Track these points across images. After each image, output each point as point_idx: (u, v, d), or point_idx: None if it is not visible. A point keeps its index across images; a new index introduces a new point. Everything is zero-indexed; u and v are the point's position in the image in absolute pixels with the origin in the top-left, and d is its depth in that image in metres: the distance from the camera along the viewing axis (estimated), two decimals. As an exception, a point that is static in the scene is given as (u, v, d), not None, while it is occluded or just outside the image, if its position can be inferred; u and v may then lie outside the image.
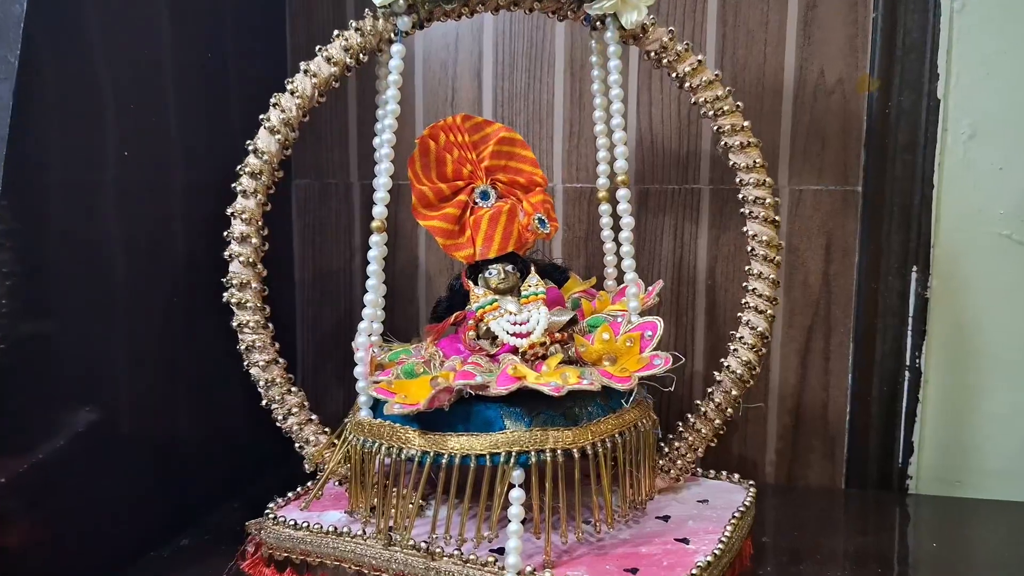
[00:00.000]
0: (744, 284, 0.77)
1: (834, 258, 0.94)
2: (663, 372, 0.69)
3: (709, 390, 0.78)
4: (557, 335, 0.73)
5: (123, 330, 0.76)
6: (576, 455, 0.66)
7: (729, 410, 0.77)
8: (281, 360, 0.74)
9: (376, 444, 0.69)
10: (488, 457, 0.65)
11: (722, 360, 0.78)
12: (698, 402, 0.78)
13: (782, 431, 0.97)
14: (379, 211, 0.71)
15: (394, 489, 0.69)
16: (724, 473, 0.82)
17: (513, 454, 0.64)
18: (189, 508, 0.85)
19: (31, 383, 0.66)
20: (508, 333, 0.71)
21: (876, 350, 0.94)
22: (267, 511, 0.75)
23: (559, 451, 0.65)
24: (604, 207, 0.81)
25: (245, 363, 0.73)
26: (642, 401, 0.73)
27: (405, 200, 1.00)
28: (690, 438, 0.78)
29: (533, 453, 0.64)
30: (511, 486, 0.65)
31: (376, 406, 0.71)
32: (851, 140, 0.92)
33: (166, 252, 0.81)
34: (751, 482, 0.80)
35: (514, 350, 0.71)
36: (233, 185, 0.72)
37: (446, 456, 0.66)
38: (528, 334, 0.71)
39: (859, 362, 0.95)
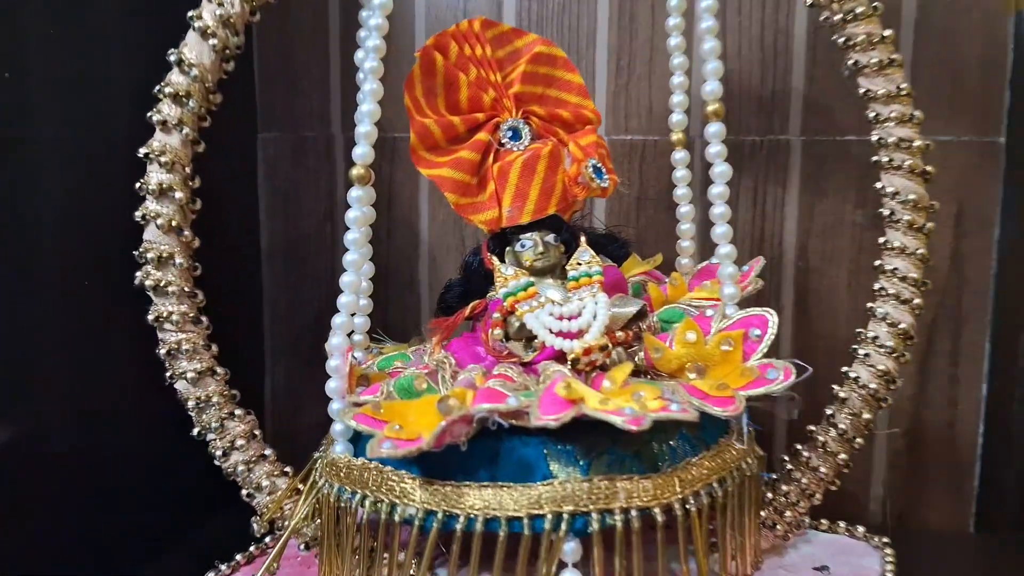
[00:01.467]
0: (878, 263, 0.55)
1: (967, 231, 0.72)
2: (782, 390, 0.46)
3: (828, 412, 0.55)
4: (619, 334, 0.50)
5: (55, 338, 0.54)
6: (658, 516, 0.43)
7: (858, 440, 0.54)
8: (220, 371, 0.51)
9: (357, 496, 0.46)
10: (527, 521, 0.43)
11: (845, 370, 0.55)
12: (812, 429, 0.56)
13: (893, 458, 0.75)
14: (362, 152, 0.49)
15: (384, 559, 0.47)
16: (842, 524, 0.60)
17: (564, 517, 0.42)
18: (111, 561, 0.61)
19: None
20: (551, 332, 0.48)
21: (1019, 354, 0.71)
22: (205, 584, 0.53)
23: (634, 511, 0.43)
24: (679, 154, 0.58)
25: (168, 374, 0.51)
26: (741, 431, 0.50)
27: (403, 156, 0.77)
28: (804, 480, 0.55)
29: (595, 515, 0.43)
30: (562, 565, 0.42)
31: (358, 439, 0.48)
32: (992, 76, 0.70)
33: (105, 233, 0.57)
34: (884, 540, 0.58)
35: (559, 357, 0.49)
36: (149, 115, 0.49)
37: (462, 518, 0.44)
38: (580, 333, 0.48)
39: (996, 369, 0.73)
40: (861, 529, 0.60)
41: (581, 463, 0.44)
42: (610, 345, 0.49)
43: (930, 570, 0.66)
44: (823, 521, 0.61)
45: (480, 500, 0.44)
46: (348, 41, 0.81)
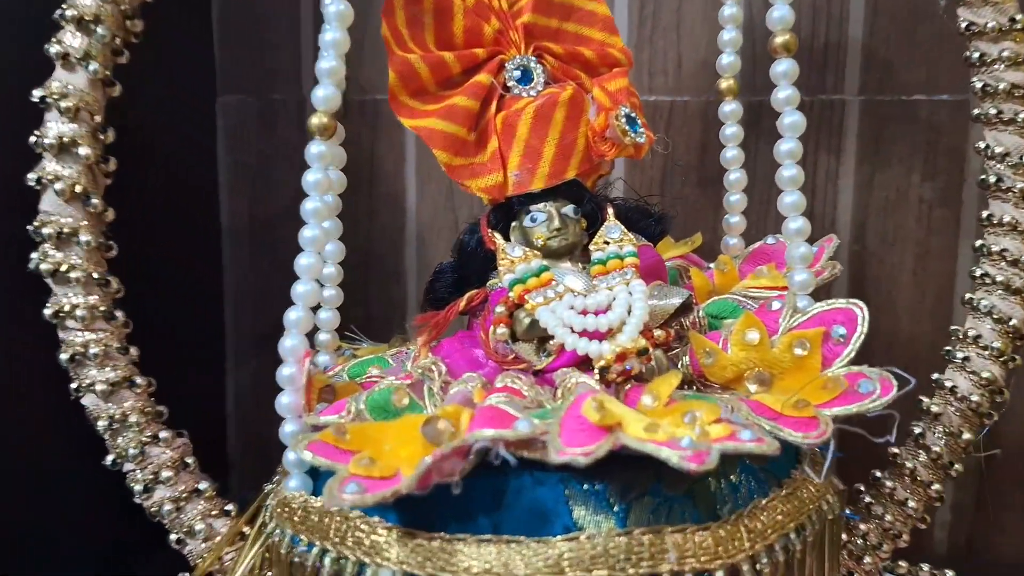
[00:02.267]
0: (978, 243, 0.43)
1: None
2: (880, 407, 0.35)
3: (916, 430, 0.44)
4: (658, 333, 0.39)
5: None
6: (722, 581, 0.32)
7: (956, 466, 0.43)
8: (140, 381, 0.40)
9: (315, 549, 0.35)
10: None
11: (937, 378, 0.44)
12: (895, 452, 0.44)
13: (963, 477, 0.62)
14: (326, 95, 0.37)
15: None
16: (925, 567, 0.48)
17: None
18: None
19: None
20: (573, 331, 0.37)
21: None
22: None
23: (689, 575, 0.31)
24: (730, 107, 0.47)
25: (73, 386, 0.39)
26: (819, 458, 0.39)
27: (388, 121, 0.66)
28: (887, 517, 0.44)
29: None
30: (592, 650, 0.31)
31: (320, 472, 0.37)
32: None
33: None
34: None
35: (582, 363, 0.37)
36: (46, 47, 0.37)
37: None
38: (611, 332, 0.36)
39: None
40: (950, 574, 0.48)
41: (616, 509, 0.33)
42: (649, 348, 0.37)
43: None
44: (901, 563, 0.49)
45: (479, 560, 0.33)
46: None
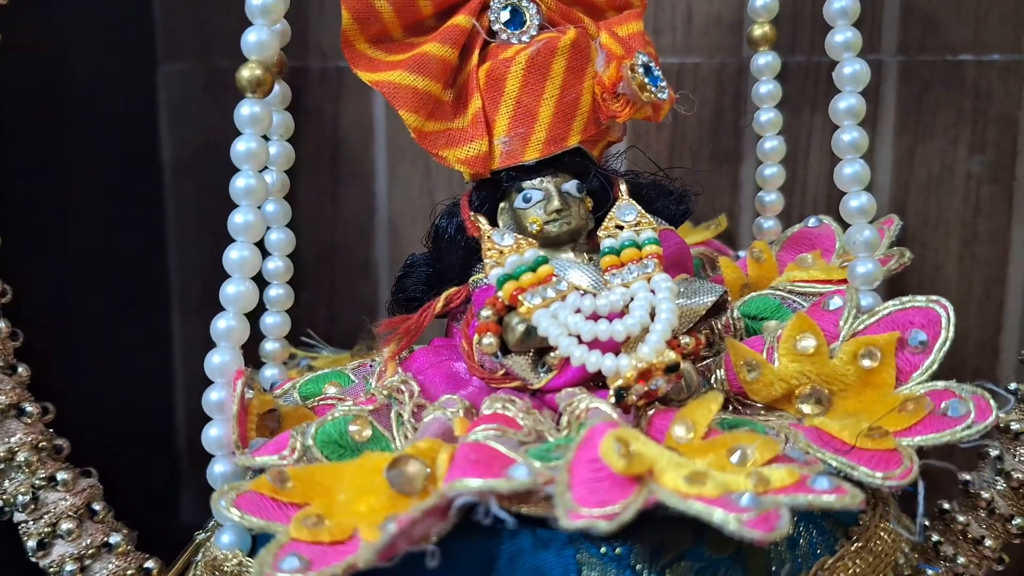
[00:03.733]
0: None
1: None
2: (977, 435, 0.27)
3: (993, 453, 0.36)
4: (686, 341, 0.31)
5: None
6: (782, 671, 0.24)
7: (1044, 495, 0.35)
8: (31, 408, 0.31)
9: (252, 628, 0.27)
10: None
11: (1017, 387, 0.37)
12: (967, 477, 0.37)
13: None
14: (258, 40, 0.29)
15: None
16: (993, 610, 0.40)
17: None
18: None
19: None
20: (580, 341, 0.29)
21: None
22: None
23: (741, 668, 0.24)
24: (765, 59, 0.40)
25: (-59, 417, 0.31)
26: (889, 498, 0.31)
27: (353, 92, 0.58)
28: (960, 559, 0.36)
29: None
30: None
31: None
32: None
33: None
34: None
35: (593, 380, 0.29)
36: None
37: None
38: (629, 342, 0.28)
39: None
40: (1024, 617, 0.41)
41: (645, 574, 0.25)
42: (678, 360, 0.29)
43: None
44: (965, 604, 0.42)
45: (464, 651, 0.24)
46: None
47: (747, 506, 0.22)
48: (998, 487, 0.37)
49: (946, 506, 0.38)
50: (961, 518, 0.37)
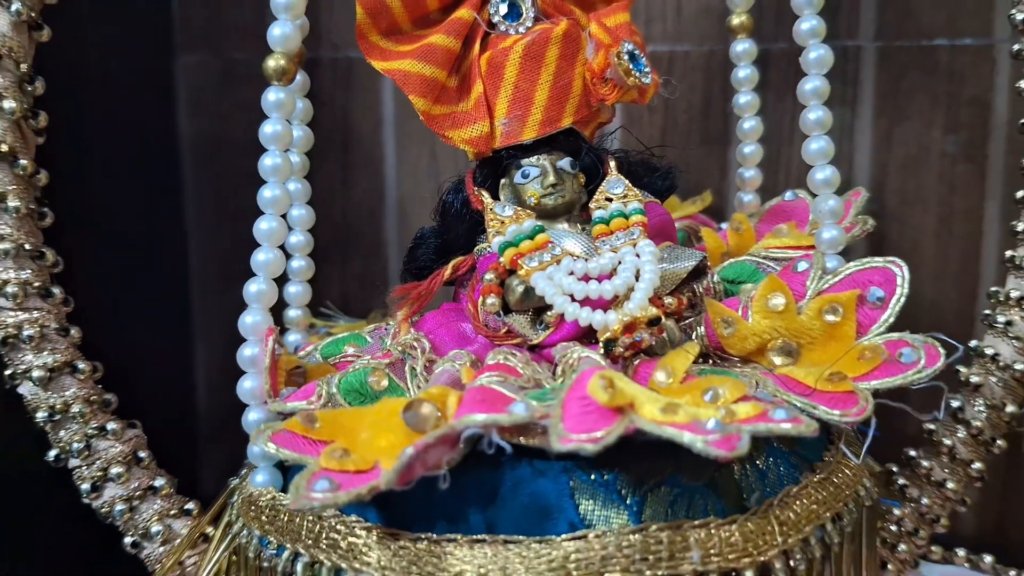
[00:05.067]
0: (1020, 194, 0.39)
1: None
2: (927, 379, 0.30)
3: (953, 404, 0.40)
4: (669, 301, 0.34)
5: None
6: (751, 582, 0.28)
7: (998, 440, 0.39)
8: (84, 366, 0.35)
9: (287, 552, 0.31)
10: None
11: (975, 345, 0.40)
12: (931, 428, 0.40)
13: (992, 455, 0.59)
14: (283, 33, 0.32)
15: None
16: (960, 552, 0.44)
17: None
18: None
19: None
20: (574, 299, 0.32)
21: None
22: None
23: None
24: (743, 45, 0.43)
25: (8, 372, 0.34)
26: (855, 439, 0.34)
27: (363, 81, 0.62)
28: (924, 500, 0.40)
29: None
30: (604, 664, 0.27)
31: (287, 468, 0.32)
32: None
33: None
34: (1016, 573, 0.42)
35: (584, 336, 0.32)
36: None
37: None
38: (617, 301, 0.32)
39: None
40: (988, 559, 0.44)
41: (628, 503, 0.29)
42: (661, 316, 0.32)
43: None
44: (934, 549, 0.45)
45: (472, 564, 0.28)
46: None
47: (712, 429, 0.25)
48: (959, 435, 0.40)
49: (912, 453, 0.42)
50: (925, 463, 0.41)
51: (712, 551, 0.28)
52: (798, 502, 0.31)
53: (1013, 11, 0.39)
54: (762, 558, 0.29)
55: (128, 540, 0.36)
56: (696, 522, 0.29)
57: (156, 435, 0.41)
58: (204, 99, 0.67)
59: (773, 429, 0.27)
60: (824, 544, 0.31)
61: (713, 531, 0.29)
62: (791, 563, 0.29)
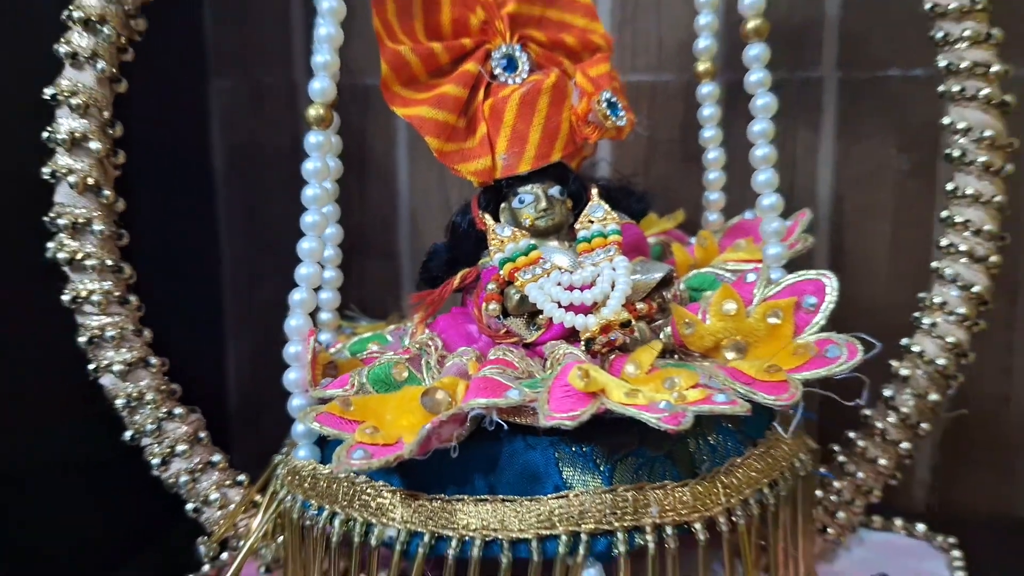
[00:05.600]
0: (944, 214, 0.46)
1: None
2: (847, 371, 0.37)
3: (886, 394, 0.47)
4: (641, 306, 0.41)
5: None
6: (699, 533, 0.35)
7: (924, 425, 0.46)
8: (155, 361, 0.42)
9: (325, 512, 0.37)
10: (535, 544, 0.35)
11: (906, 342, 0.47)
12: (867, 414, 0.47)
13: (940, 439, 0.66)
14: (322, 87, 0.39)
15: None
16: (898, 522, 0.51)
17: (583, 538, 0.34)
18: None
19: None
20: (560, 305, 0.39)
21: (1083, 317, 0.63)
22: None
23: (669, 527, 0.34)
24: (707, 87, 0.49)
25: (91, 367, 0.41)
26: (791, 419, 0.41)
27: (377, 106, 0.68)
28: (860, 474, 0.47)
29: (620, 534, 0.35)
30: (582, 597, 0.34)
31: (326, 441, 0.39)
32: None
33: None
34: (950, 539, 0.49)
35: (569, 335, 0.39)
36: (55, 47, 0.39)
37: (455, 541, 0.35)
38: (596, 306, 0.39)
39: (1058, 335, 0.63)
40: (921, 527, 0.51)
41: (602, 469, 0.36)
42: (632, 319, 0.39)
43: (986, 564, 0.58)
44: (875, 518, 0.52)
45: (477, 518, 0.35)
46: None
47: (663, 409, 0.33)
48: (890, 419, 0.47)
49: (851, 435, 0.49)
50: (861, 443, 0.48)
51: (668, 508, 0.35)
52: (740, 470, 0.38)
53: (938, 57, 0.46)
54: (708, 514, 0.36)
55: (190, 506, 0.44)
56: (655, 484, 0.36)
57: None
58: (235, 118, 0.74)
59: (715, 409, 0.34)
60: (761, 505, 0.38)
61: (669, 492, 0.36)
62: (733, 519, 0.36)
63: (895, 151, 0.63)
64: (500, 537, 0.35)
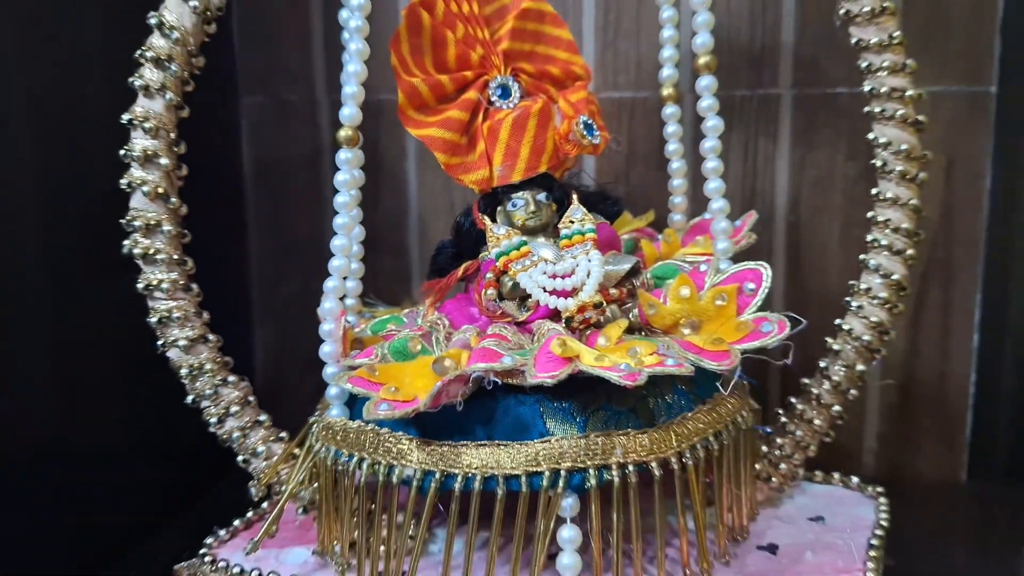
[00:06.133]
0: (870, 215, 0.55)
1: (957, 183, 0.71)
2: (777, 343, 0.46)
3: (822, 365, 0.55)
4: (613, 291, 0.50)
5: None
6: (655, 471, 0.44)
7: (852, 391, 0.55)
8: (212, 337, 0.51)
9: (355, 458, 0.46)
10: (524, 479, 0.43)
11: (839, 323, 0.55)
12: (806, 382, 0.56)
13: (886, 410, 0.75)
14: (350, 114, 0.48)
15: (383, 521, 0.47)
16: (836, 476, 0.60)
17: (562, 474, 0.43)
18: (109, 538, 0.61)
19: None
20: (545, 291, 0.48)
21: (1010, 305, 0.72)
22: (202, 550, 0.53)
23: (630, 466, 0.43)
24: (670, 109, 0.58)
25: (160, 342, 0.50)
26: (739, 385, 0.50)
27: (389, 118, 0.76)
28: (799, 433, 0.56)
29: (592, 471, 0.43)
30: (560, 521, 0.42)
31: (354, 402, 0.48)
32: (982, 23, 0.69)
33: (45, 196, 0.56)
34: (879, 488, 0.58)
35: (554, 315, 0.48)
36: (130, 80, 0.48)
37: (460, 477, 0.44)
38: (574, 291, 0.48)
39: (988, 321, 0.73)
40: (855, 480, 0.60)
41: (577, 420, 0.44)
42: (604, 302, 0.48)
43: (925, 518, 0.67)
44: (817, 473, 0.61)
45: (477, 459, 0.44)
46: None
47: (623, 370, 0.41)
48: (824, 387, 0.56)
49: (792, 400, 0.58)
50: (800, 406, 0.56)
51: (630, 451, 0.44)
52: (691, 423, 0.46)
53: (864, 83, 0.55)
54: (663, 456, 0.44)
55: (240, 458, 0.52)
56: (620, 432, 0.44)
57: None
58: (262, 132, 0.81)
59: (665, 370, 0.42)
60: (707, 450, 0.46)
61: (631, 438, 0.44)
62: (683, 461, 0.45)
63: (843, 159, 0.71)
64: (496, 474, 0.44)
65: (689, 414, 0.47)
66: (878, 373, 0.72)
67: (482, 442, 0.44)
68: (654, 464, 0.44)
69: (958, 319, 0.73)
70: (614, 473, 0.43)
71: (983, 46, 0.70)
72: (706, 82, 0.51)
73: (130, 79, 0.49)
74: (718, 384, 0.47)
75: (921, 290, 0.73)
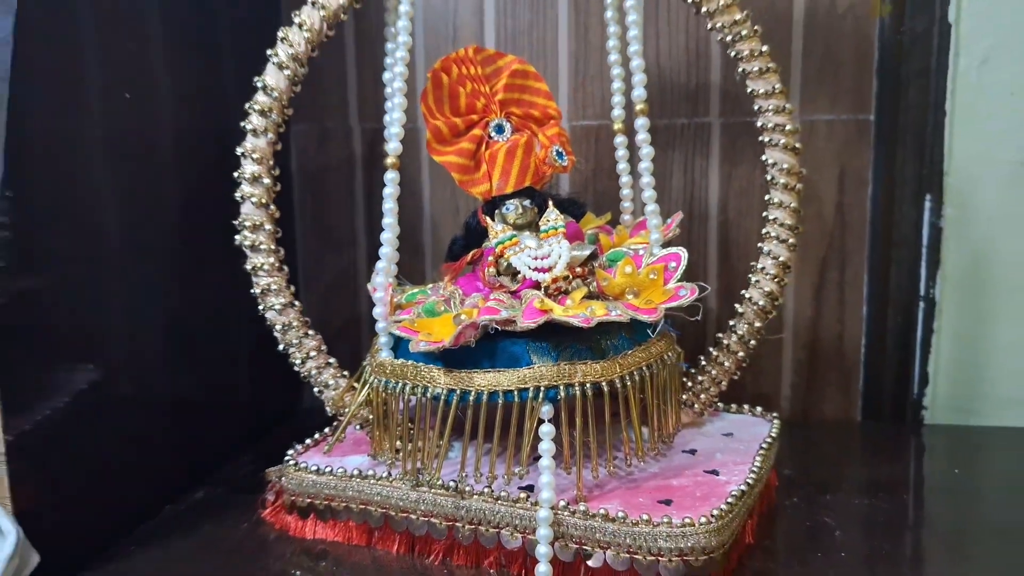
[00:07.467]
0: (764, 214, 0.76)
1: (848, 189, 0.93)
2: (689, 303, 0.67)
3: (731, 323, 0.77)
4: (578, 270, 0.71)
5: (120, 284, 0.70)
6: (605, 388, 0.65)
7: (752, 342, 0.76)
8: (297, 303, 0.72)
9: (400, 384, 0.67)
10: (516, 393, 0.63)
11: (743, 292, 0.77)
12: (720, 335, 0.77)
13: (797, 365, 0.96)
14: (393, 147, 0.69)
15: (420, 429, 0.68)
16: (746, 407, 0.82)
17: (541, 389, 0.63)
18: (201, 463, 0.83)
19: (26, 341, 0.60)
20: (530, 268, 0.69)
21: (890, 281, 0.93)
22: (287, 458, 0.74)
23: (588, 385, 0.64)
24: (619, 139, 0.79)
25: (260, 307, 0.72)
26: (667, 334, 0.72)
27: (407, 143, 0.97)
28: (714, 371, 0.77)
29: (561, 387, 0.63)
30: (540, 422, 0.64)
31: (396, 347, 0.70)
32: (863, 67, 0.91)
33: (160, 200, 0.77)
34: (774, 414, 0.80)
35: (536, 285, 0.69)
36: (242, 124, 0.69)
37: (473, 393, 0.64)
38: (550, 268, 0.69)
39: (874, 293, 0.94)
40: (759, 409, 0.82)
41: (552, 354, 0.65)
42: (571, 276, 0.70)
43: (830, 450, 0.88)
44: (733, 406, 0.83)
45: (484, 381, 0.65)
46: (362, 39, 0.99)
47: (583, 317, 0.63)
48: (732, 339, 0.77)
49: (711, 349, 0.79)
50: (715, 352, 0.77)
51: (588, 375, 0.64)
52: (631, 357, 0.67)
53: (756, 120, 0.76)
54: (610, 378, 0.66)
55: (316, 390, 0.74)
56: (581, 362, 0.65)
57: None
58: (307, 153, 1.02)
59: (609, 318, 0.64)
60: (642, 377, 0.68)
61: (589, 366, 0.65)
62: (626, 383, 0.66)
63: (759, 173, 0.90)
64: (497, 390, 0.64)
65: (629, 352, 0.68)
66: (778, 329, 0.93)
67: (487, 369, 0.65)
68: (604, 385, 0.65)
69: (851, 293, 0.94)
70: (576, 390, 0.64)
71: (864, 85, 0.91)
72: (641, 122, 0.72)
73: (242, 123, 0.70)
74: (649, 331, 0.68)
75: (822, 272, 0.94)
